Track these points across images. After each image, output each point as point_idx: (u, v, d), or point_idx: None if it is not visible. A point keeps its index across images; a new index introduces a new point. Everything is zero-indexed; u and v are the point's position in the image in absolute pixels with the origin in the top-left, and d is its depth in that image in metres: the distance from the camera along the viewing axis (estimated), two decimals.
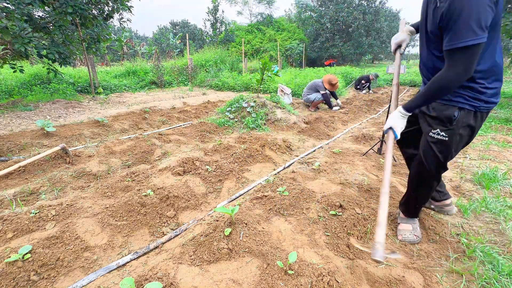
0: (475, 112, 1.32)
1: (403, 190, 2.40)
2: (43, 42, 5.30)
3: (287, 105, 5.26)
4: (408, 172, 1.82)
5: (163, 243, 1.75)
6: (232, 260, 1.50)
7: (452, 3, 1.06)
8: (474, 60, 1.12)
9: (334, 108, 6.31)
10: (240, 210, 1.91)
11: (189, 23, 35.16)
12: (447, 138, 1.38)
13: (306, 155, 3.40)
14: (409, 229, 1.77)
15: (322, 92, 6.04)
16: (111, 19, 6.55)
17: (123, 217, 1.92)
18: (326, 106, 6.70)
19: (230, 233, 1.63)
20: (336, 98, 6.54)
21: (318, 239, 1.74)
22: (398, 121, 1.43)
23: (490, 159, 3.09)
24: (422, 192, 1.65)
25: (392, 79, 4.72)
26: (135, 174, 2.60)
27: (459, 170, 2.85)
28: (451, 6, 1.07)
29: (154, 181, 2.42)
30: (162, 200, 2.12)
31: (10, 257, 1.41)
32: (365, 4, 24.01)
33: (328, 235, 1.76)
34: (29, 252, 1.48)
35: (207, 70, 12.58)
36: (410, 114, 1.42)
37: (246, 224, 1.72)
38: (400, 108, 1.42)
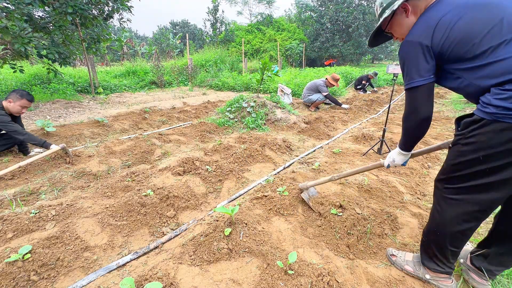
0: (492, 121, 1.01)
1: (403, 190, 2.40)
2: (43, 42, 5.30)
3: (287, 105, 5.26)
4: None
5: (163, 243, 1.75)
6: (232, 260, 1.50)
7: (399, 61, 1.28)
8: (422, 100, 1.19)
9: (344, 106, 6.26)
10: (240, 210, 1.91)
11: (189, 23, 35.22)
12: (453, 145, 1.21)
13: (306, 155, 3.40)
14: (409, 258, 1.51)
15: (325, 93, 6.02)
16: (111, 19, 6.55)
17: (123, 217, 1.92)
18: (326, 106, 6.70)
19: (230, 233, 1.63)
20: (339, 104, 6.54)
21: (318, 239, 1.74)
22: (395, 157, 1.48)
23: None
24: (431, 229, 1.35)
25: (392, 79, 4.72)
26: (135, 174, 2.60)
27: None
28: (400, 63, 1.28)
29: (154, 181, 2.42)
30: (162, 200, 2.12)
31: (10, 257, 1.41)
32: (365, 4, 24.01)
33: (328, 235, 1.76)
34: (29, 252, 1.48)
35: (207, 70, 12.59)
36: (407, 153, 1.42)
37: (246, 224, 1.72)
38: (397, 148, 1.48)
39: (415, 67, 1.17)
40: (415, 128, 1.27)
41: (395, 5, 1.25)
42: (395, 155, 1.48)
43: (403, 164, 1.50)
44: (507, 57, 0.98)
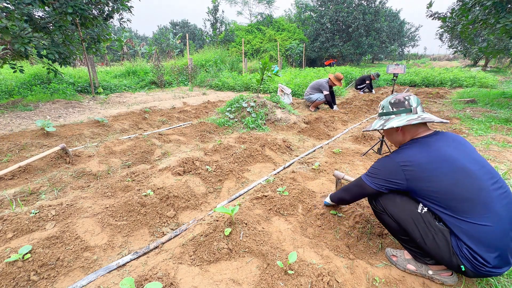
0: None
1: None
2: (43, 42, 5.30)
3: (287, 105, 5.26)
4: None
5: (163, 243, 1.75)
6: (232, 260, 1.50)
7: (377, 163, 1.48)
8: (358, 193, 1.57)
9: (335, 108, 6.35)
10: (240, 210, 1.91)
11: (189, 23, 35.20)
12: None
13: (306, 155, 3.40)
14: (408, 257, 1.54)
15: (326, 92, 6.08)
16: (111, 19, 6.55)
17: (123, 217, 1.92)
18: (326, 106, 6.71)
19: (230, 233, 1.63)
20: (334, 103, 6.56)
21: (318, 239, 1.74)
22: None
23: (490, 159, 3.09)
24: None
25: (392, 79, 4.72)
26: (135, 174, 2.60)
27: None
28: (377, 162, 1.48)
29: (154, 181, 2.42)
30: (162, 200, 2.12)
31: (10, 257, 1.41)
32: (365, 4, 23.98)
33: (328, 235, 1.76)
34: (29, 252, 1.48)
35: (207, 70, 12.59)
36: (331, 202, 1.94)
37: (246, 224, 1.72)
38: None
39: (373, 174, 1.45)
40: (337, 201, 1.83)
41: (386, 126, 1.45)
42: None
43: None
44: None
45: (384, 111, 1.53)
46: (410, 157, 1.31)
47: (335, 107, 6.39)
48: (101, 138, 3.92)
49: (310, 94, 6.25)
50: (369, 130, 1.58)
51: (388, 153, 3.33)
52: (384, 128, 1.44)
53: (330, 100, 6.21)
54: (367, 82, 9.42)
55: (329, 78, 6.19)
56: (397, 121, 1.42)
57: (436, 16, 7.42)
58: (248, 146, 3.29)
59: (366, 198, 1.78)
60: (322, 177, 2.59)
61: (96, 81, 7.94)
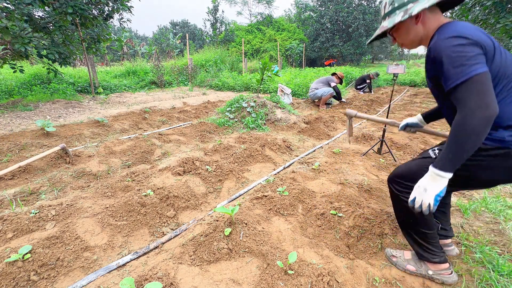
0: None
1: None
2: (43, 42, 5.31)
3: (287, 105, 5.26)
4: None
5: (163, 243, 1.75)
6: (232, 260, 1.50)
7: (437, 58, 1.05)
8: (490, 90, 0.95)
9: (344, 100, 6.69)
10: (240, 210, 1.91)
11: (189, 23, 35.25)
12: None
13: (306, 155, 3.40)
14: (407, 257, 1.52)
15: (333, 84, 6.40)
16: (111, 19, 6.56)
17: (123, 217, 1.92)
18: (338, 102, 6.93)
19: (230, 233, 1.63)
20: (340, 99, 6.82)
21: (318, 239, 1.74)
22: (429, 184, 1.09)
23: None
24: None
25: (392, 79, 4.71)
26: (135, 174, 2.60)
27: None
28: (436, 54, 1.06)
29: (154, 181, 2.42)
30: (162, 200, 2.12)
31: (10, 257, 1.41)
32: (365, 4, 24.01)
33: (328, 235, 1.76)
34: (29, 252, 1.48)
35: (207, 70, 12.59)
36: (448, 174, 1.05)
37: (246, 224, 1.72)
38: (432, 170, 1.08)
39: (473, 57, 0.97)
40: (483, 128, 0.94)
41: (415, 10, 1.11)
42: (428, 182, 1.08)
43: (436, 200, 1.07)
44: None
45: (396, 4, 1.20)
46: (470, 30, 1.00)
47: (343, 99, 6.67)
48: (101, 138, 3.92)
49: (315, 89, 6.44)
50: (379, 33, 1.30)
51: (387, 152, 3.32)
52: (412, 14, 1.12)
53: (339, 90, 6.51)
54: (367, 81, 9.40)
55: (335, 74, 6.60)
56: (425, 1, 1.11)
57: None
58: (248, 146, 3.29)
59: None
60: (322, 177, 2.59)
61: (96, 81, 7.94)
